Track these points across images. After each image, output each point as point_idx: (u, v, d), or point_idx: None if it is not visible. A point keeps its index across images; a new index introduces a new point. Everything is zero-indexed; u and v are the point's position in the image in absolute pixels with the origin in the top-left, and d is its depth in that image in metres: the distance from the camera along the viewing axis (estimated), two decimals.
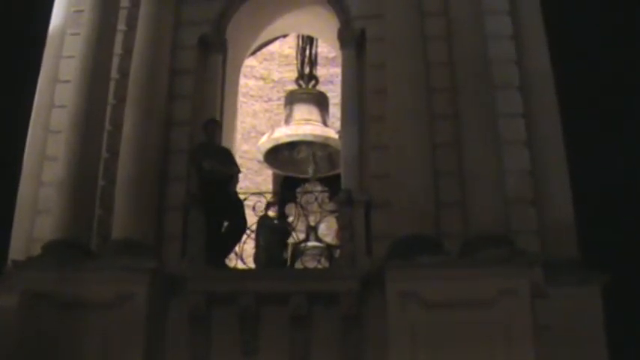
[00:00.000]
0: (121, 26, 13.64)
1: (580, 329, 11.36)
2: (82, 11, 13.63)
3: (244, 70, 16.26)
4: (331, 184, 14.38)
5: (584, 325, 11.43)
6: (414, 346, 10.96)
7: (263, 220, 12.62)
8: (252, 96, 17.75)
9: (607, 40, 20.08)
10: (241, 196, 12.67)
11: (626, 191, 18.75)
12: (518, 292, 11.02)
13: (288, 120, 15.30)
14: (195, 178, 12.59)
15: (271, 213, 12.86)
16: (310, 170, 15.17)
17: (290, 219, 13.20)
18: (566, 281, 11.57)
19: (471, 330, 10.90)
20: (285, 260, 12.75)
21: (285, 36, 16.95)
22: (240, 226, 12.43)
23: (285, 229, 12.86)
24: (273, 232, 12.58)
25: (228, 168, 12.65)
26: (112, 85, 13.27)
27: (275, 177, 17.40)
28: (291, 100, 15.55)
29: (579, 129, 15.06)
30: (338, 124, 14.45)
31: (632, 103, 19.45)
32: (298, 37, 16.69)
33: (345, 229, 12.24)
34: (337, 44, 13.88)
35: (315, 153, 15.33)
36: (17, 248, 12.76)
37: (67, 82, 13.35)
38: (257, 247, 12.48)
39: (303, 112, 15.22)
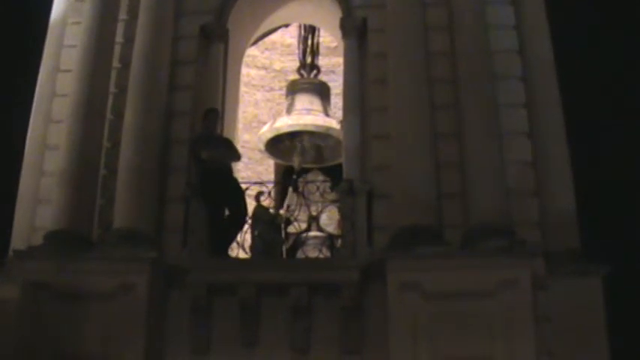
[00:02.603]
0: (123, 15, 13.61)
1: (581, 321, 11.34)
2: (83, 0, 13.58)
3: (246, 59, 16.22)
4: (333, 173, 14.38)
5: (585, 316, 11.41)
6: (415, 337, 10.97)
7: (257, 210, 12.59)
8: (253, 85, 17.74)
9: (610, 30, 20.02)
10: (243, 186, 12.68)
11: (628, 182, 18.71)
12: (519, 283, 11.01)
13: (289, 110, 15.26)
14: (195, 168, 12.59)
15: (266, 202, 12.84)
16: (296, 161, 15.15)
17: (281, 209, 13.20)
18: (567, 272, 11.55)
19: (471, 321, 10.91)
20: (282, 249, 12.73)
21: (287, 25, 16.89)
22: (242, 215, 12.43)
23: (280, 218, 12.84)
24: (268, 222, 12.55)
25: (228, 156, 12.65)
26: (113, 74, 13.23)
27: (277, 167, 17.41)
28: (293, 89, 15.52)
29: (581, 119, 15.02)
30: (340, 113, 14.44)
31: (636, 94, 19.39)
32: (300, 26, 16.64)
33: (346, 219, 12.24)
34: (339, 34, 13.84)
35: (303, 143, 15.29)
36: (19, 238, 12.74)
37: (68, 71, 13.32)
38: (252, 237, 12.45)
39: (305, 101, 15.19)
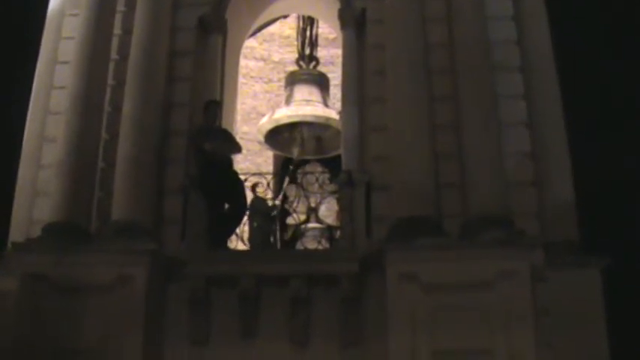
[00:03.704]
0: (120, 7, 13.55)
1: (580, 312, 11.35)
2: None
3: (244, 51, 16.21)
4: (332, 165, 14.37)
5: (584, 308, 11.42)
6: (414, 328, 10.96)
7: (255, 202, 12.58)
8: (252, 77, 17.75)
9: (609, 21, 19.98)
10: (242, 177, 12.67)
11: (628, 173, 18.69)
12: (518, 275, 10.98)
13: (288, 101, 15.25)
14: (195, 160, 12.57)
15: (264, 194, 12.84)
16: (295, 151, 15.13)
17: (277, 200, 13.20)
18: (566, 264, 11.56)
19: (470, 312, 10.90)
20: (283, 241, 12.72)
21: (285, 17, 16.91)
22: (241, 207, 12.42)
23: (278, 210, 12.82)
24: (265, 213, 12.53)
25: (229, 149, 12.65)
26: (111, 66, 13.19)
27: (276, 158, 17.40)
28: (292, 81, 15.49)
29: (580, 110, 14.99)
30: (338, 105, 14.41)
31: (634, 85, 19.36)
32: (299, 17, 16.63)
33: (345, 210, 12.22)
34: (338, 25, 13.81)
35: (302, 134, 15.28)
36: (17, 230, 12.75)
37: (66, 63, 13.29)
38: (250, 228, 12.44)
39: (304, 93, 15.17)
